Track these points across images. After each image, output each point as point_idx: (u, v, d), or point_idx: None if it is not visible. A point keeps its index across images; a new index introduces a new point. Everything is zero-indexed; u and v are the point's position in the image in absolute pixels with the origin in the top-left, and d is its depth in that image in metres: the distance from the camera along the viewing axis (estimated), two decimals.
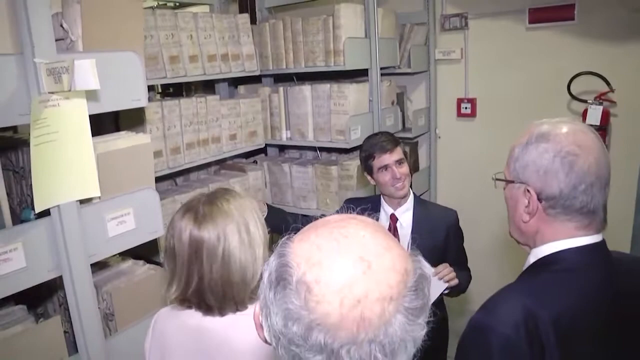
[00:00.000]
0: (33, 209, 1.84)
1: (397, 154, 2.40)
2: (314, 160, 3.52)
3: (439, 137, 4.16)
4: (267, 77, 3.64)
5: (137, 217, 1.76)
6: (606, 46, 3.39)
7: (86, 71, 1.31)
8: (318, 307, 0.74)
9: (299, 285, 0.76)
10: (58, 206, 1.53)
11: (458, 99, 4.01)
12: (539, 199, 1.21)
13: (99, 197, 1.65)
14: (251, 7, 3.65)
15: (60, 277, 1.61)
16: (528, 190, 1.23)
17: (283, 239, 0.84)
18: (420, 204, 2.54)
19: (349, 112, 3.05)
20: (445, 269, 2.25)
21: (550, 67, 3.58)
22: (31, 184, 1.81)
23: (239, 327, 1.37)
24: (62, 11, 1.57)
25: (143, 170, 1.79)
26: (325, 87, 3.12)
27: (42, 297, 2.06)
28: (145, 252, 2.31)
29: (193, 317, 1.42)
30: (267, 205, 2.77)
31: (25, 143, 1.89)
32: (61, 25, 1.55)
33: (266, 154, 3.76)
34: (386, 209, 2.51)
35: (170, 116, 2.61)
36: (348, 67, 3.04)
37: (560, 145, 1.18)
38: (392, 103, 3.62)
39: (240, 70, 3.09)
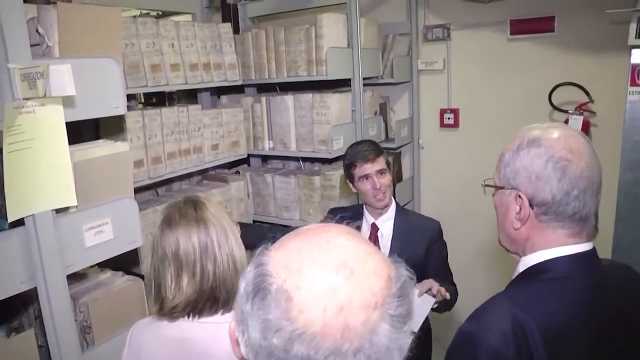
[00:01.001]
0: (6, 218, 1.81)
1: (379, 163, 2.37)
2: (297, 170, 3.50)
3: (422, 148, 4.16)
4: (250, 86, 3.62)
5: (115, 227, 1.72)
6: (586, 57, 3.42)
7: (62, 77, 1.27)
8: (300, 316, 0.70)
9: (279, 293, 0.72)
10: (33, 215, 1.49)
11: (441, 110, 4.02)
12: (531, 205, 1.20)
13: (76, 207, 1.61)
14: (234, 17, 3.64)
15: (35, 289, 1.57)
16: (520, 196, 1.21)
17: (260, 249, 0.81)
18: (402, 214, 2.50)
19: (331, 122, 3.04)
20: (433, 284, 2.14)
21: (531, 77, 3.61)
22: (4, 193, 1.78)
23: (219, 337, 1.36)
24: (38, 16, 1.54)
25: (122, 180, 1.75)
26: (307, 97, 3.10)
27: (16, 310, 2.00)
28: (125, 263, 2.26)
29: (173, 327, 1.41)
30: (240, 223, 2.69)
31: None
32: (37, 31, 1.52)
33: (249, 165, 3.73)
34: (368, 218, 2.49)
35: (152, 125, 2.57)
36: (330, 77, 3.03)
37: (552, 150, 1.17)
38: (375, 113, 3.62)
39: (222, 80, 3.06)
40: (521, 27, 3.61)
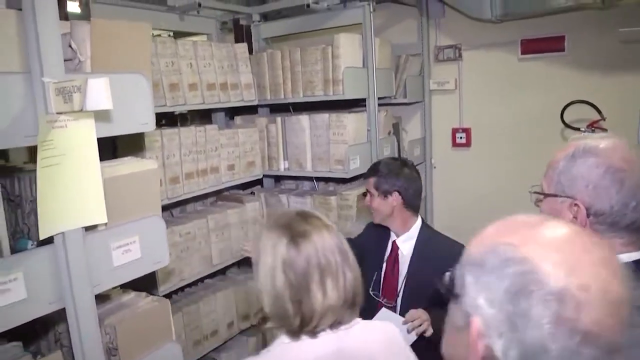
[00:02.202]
0: (30, 238, 1.77)
1: (366, 184, 2.49)
2: (312, 190, 3.47)
3: (435, 167, 4.14)
4: (263, 107, 3.60)
5: (142, 246, 1.68)
6: (596, 76, 3.44)
7: (99, 91, 1.25)
8: (584, 315, 0.68)
9: (558, 293, 0.69)
10: (62, 233, 1.45)
11: (453, 129, 4.02)
12: (587, 214, 1.17)
13: (105, 225, 1.58)
14: (247, 38, 3.64)
15: (60, 310, 1.52)
16: (576, 205, 1.18)
17: (499, 245, 0.79)
18: (426, 234, 2.45)
19: (348, 142, 3.02)
20: (416, 319, 2.07)
21: (542, 96, 3.63)
22: (28, 213, 1.75)
23: (368, 338, 1.42)
24: (71, 31, 1.52)
25: (149, 197, 1.71)
26: (323, 117, 3.08)
27: (34, 334, 1.95)
28: (143, 285, 2.22)
29: (319, 344, 1.36)
30: None
31: (20, 170, 1.82)
32: (70, 46, 1.50)
33: (262, 185, 3.70)
34: (391, 235, 2.48)
35: (170, 145, 2.55)
36: (347, 97, 3.02)
37: (610, 160, 1.16)
38: (389, 133, 3.61)
39: (239, 100, 3.05)
40: (532, 46, 3.63)
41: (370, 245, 2.53)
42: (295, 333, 1.35)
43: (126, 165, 1.64)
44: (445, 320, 0.89)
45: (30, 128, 1.39)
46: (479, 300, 0.75)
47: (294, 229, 1.38)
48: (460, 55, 3.91)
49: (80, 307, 1.50)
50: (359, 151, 3.10)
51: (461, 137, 4.01)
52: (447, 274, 0.85)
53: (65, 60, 1.44)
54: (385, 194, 2.39)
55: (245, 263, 3.34)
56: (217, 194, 3.28)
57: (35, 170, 1.77)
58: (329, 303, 1.33)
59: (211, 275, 3.07)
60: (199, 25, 3.20)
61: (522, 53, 3.67)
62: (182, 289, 2.87)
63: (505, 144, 3.83)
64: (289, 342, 1.37)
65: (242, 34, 3.72)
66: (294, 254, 1.33)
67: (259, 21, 3.66)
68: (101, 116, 1.49)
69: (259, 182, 3.60)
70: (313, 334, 1.35)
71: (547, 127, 3.60)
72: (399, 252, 2.44)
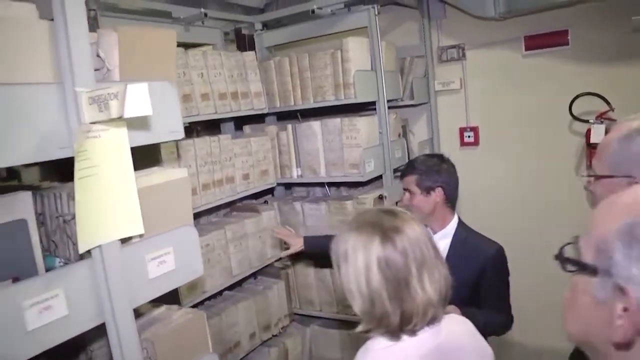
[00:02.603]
0: (57, 256, 1.73)
1: (405, 183, 2.45)
2: (324, 197, 3.44)
3: None
4: (270, 115, 3.57)
5: (177, 257, 1.64)
6: (602, 67, 3.44)
7: (139, 97, 1.22)
8: None
9: None
10: (100, 246, 1.41)
11: (460, 128, 4.01)
12: None
13: (139, 236, 1.54)
14: (249, 47, 3.62)
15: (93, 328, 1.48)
16: (636, 183, 1.17)
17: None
18: (462, 233, 2.42)
19: (362, 145, 3.00)
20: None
21: (548, 91, 3.62)
22: (54, 230, 1.71)
23: (465, 331, 1.45)
24: (98, 40, 1.49)
25: (181, 206, 1.68)
26: (335, 122, 3.06)
27: (63, 354, 1.90)
28: (165, 300, 2.17)
29: (426, 341, 1.33)
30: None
31: (37, 188, 1.78)
32: (98, 55, 1.48)
33: (273, 194, 3.67)
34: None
35: (186, 156, 2.52)
36: (359, 100, 3.00)
37: None
38: (399, 135, 3.59)
39: (249, 109, 3.03)
40: (535, 42, 3.64)
41: None
42: (394, 333, 1.32)
43: (158, 175, 1.61)
44: (568, 296, 0.88)
45: (63, 139, 1.36)
46: (633, 270, 0.73)
47: (385, 225, 1.34)
48: (464, 55, 3.91)
49: (120, 321, 1.46)
50: (373, 154, 3.08)
51: (469, 136, 4.00)
52: (567, 246, 0.83)
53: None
54: (428, 190, 2.38)
55: (261, 273, 3.31)
56: (229, 205, 3.24)
57: (56, 188, 1.75)
58: (428, 298, 1.30)
59: (229, 287, 3.03)
60: (204, 35, 3.18)
61: (526, 49, 3.67)
62: (202, 302, 2.83)
63: (513, 140, 3.82)
64: (390, 345, 1.33)
65: (244, 43, 3.71)
66: (390, 251, 1.30)
67: (261, 30, 3.64)
68: (132, 125, 1.46)
69: (269, 191, 3.57)
70: (413, 332, 1.32)
71: (555, 121, 3.60)
72: None
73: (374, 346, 1.37)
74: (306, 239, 2.81)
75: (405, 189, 2.45)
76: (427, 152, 3.94)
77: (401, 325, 1.30)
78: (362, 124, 3.01)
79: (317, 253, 2.74)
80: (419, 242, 1.33)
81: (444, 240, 2.39)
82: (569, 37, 3.52)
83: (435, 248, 1.38)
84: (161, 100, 1.57)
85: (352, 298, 1.36)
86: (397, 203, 2.56)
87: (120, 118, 1.26)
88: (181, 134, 1.64)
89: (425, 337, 1.33)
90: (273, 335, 3.20)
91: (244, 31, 3.66)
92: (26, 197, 1.45)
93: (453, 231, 2.41)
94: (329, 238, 2.58)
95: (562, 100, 3.48)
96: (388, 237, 1.32)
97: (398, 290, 1.29)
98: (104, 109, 1.28)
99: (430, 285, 1.31)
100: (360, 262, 1.32)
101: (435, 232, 2.41)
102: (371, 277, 1.30)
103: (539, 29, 3.58)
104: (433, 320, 1.34)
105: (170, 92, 1.60)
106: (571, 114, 3.44)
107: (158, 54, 1.61)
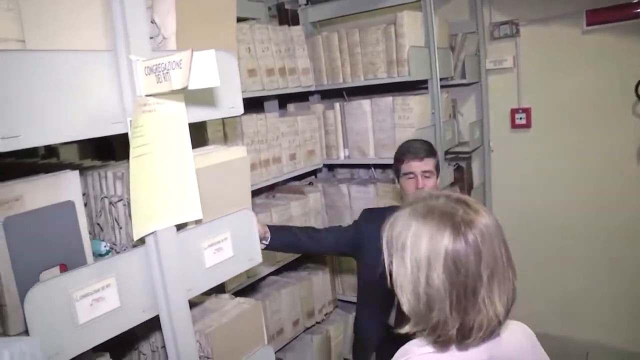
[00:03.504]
0: (102, 239, 1.61)
1: (427, 164, 2.26)
2: (371, 179, 3.29)
3: (492, 151, 3.93)
4: (314, 93, 3.42)
5: (234, 243, 1.51)
6: None
7: (206, 65, 1.08)
8: None
9: None
10: (154, 233, 1.28)
11: (512, 110, 3.81)
12: None
13: (195, 222, 1.41)
14: (292, 23, 3.45)
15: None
16: None
17: None
18: None
19: (414, 126, 2.83)
20: None
21: (611, 70, 3.39)
22: (99, 211, 1.59)
23: (516, 338, 1.23)
24: (153, 5, 1.35)
25: (240, 188, 1.54)
26: (387, 101, 2.90)
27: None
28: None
29: (477, 354, 1.14)
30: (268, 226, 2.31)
31: (78, 167, 1.66)
32: (152, 21, 1.33)
33: (316, 176, 3.53)
34: None
35: (232, 134, 2.39)
36: (413, 78, 2.83)
37: None
38: (450, 116, 3.41)
39: (297, 86, 2.88)
40: (599, 16, 3.39)
41: (376, 232, 2.34)
42: (444, 344, 1.13)
43: (217, 154, 1.47)
44: None
45: (117, 114, 1.22)
46: None
47: (458, 215, 1.11)
48: (517, 31, 3.68)
49: (175, 314, 1.34)
50: (425, 135, 2.91)
51: (521, 118, 3.79)
52: None
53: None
54: (438, 174, 2.34)
55: (304, 258, 3.17)
56: (271, 187, 3.11)
57: (100, 167, 1.62)
58: (495, 314, 1.09)
59: (273, 272, 2.91)
60: (249, 9, 3.01)
61: (588, 24, 3.42)
62: (245, 287, 2.71)
63: (569, 123, 3.60)
64: (433, 352, 1.15)
65: (286, 18, 3.54)
66: (461, 247, 1.07)
67: (305, 4, 3.47)
68: (189, 99, 1.32)
69: (310, 173, 3.43)
70: (466, 347, 1.13)
71: (617, 103, 3.38)
72: None
73: (415, 349, 1.19)
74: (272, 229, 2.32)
75: (426, 171, 2.27)
76: (477, 134, 3.75)
77: (456, 339, 1.11)
78: (416, 103, 2.84)
79: (278, 248, 2.34)
80: (492, 242, 1.11)
81: None
82: (639, 10, 3.25)
83: (507, 249, 1.15)
84: (223, 72, 1.42)
85: (403, 294, 1.15)
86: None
87: (181, 90, 1.12)
88: (241, 109, 1.50)
89: (477, 351, 1.14)
90: (316, 322, 3.08)
91: (287, 6, 3.49)
92: (73, 177, 1.32)
93: None
94: (294, 232, 2.35)
95: (625, 79, 3.26)
96: (460, 231, 1.09)
97: (463, 298, 1.08)
98: (164, 79, 1.14)
99: (499, 297, 1.10)
100: (422, 256, 1.10)
101: None
102: (433, 276, 1.08)
103: (603, 2, 3.32)
104: (491, 334, 1.14)
105: (231, 65, 1.46)
106: (638, 95, 3.21)
107: (217, 21, 1.46)
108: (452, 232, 1.08)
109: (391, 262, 1.19)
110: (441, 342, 1.13)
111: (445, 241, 1.08)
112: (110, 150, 2.05)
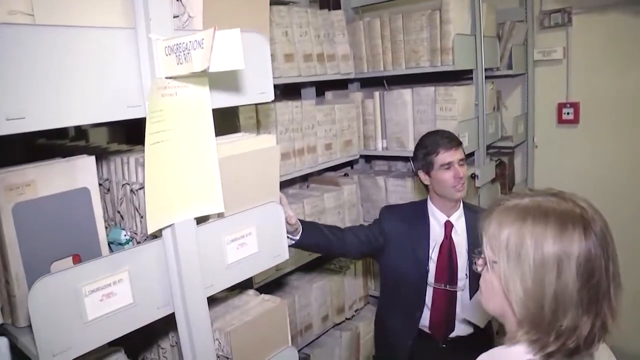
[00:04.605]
0: (123, 228, 1.54)
1: (460, 153, 2.28)
2: (410, 172, 3.16)
3: (536, 147, 3.74)
4: (354, 81, 3.29)
5: (260, 238, 1.42)
6: None
7: (230, 46, 0.98)
8: None
9: None
10: (172, 225, 1.20)
11: (559, 104, 3.61)
12: None
13: (217, 215, 1.32)
14: (333, 7, 3.33)
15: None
16: None
17: None
18: (470, 209, 2.37)
19: (457, 118, 2.69)
20: None
21: None
22: (120, 198, 1.51)
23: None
24: None
25: (267, 180, 1.44)
26: (429, 91, 2.76)
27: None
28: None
29: None
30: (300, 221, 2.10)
31: (104, 151, 1.59)
32: None
33: (352, 167, 3.41)
34: (438, 216, 2.32)
35: (265, 122, 2.29)
36: (458, 67, 2.69)
37: None
38: (494, 109, 3.25)
39: (335, 73, 2.76)
40: None
41: (400, 230, 2.33)
42: (551, 354, 1.01)
43: (243, 142, 1.37)
44: None
45: (134, 96, 1.13)
46: None
47: (576, 214, 1.03)
48: (569, 20, 3.48)
49: (192, 312, 1.26)
50: (468, 128, 2.77)
51: (568, 113, 3.59)
52: None
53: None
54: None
55: None
56: (305, 177, 3.02)
57: (124, 151, 1.55)
58: (610, 318, 1.01)
59: (303, 266, 2.82)
60: None
61: None
62: (274, 280, 2.62)
63: (620, 121, 3.39)
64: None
65: (327, 2, 3.43)
66: (593, 250, 0.99)
67: None
68: (214, 84, 1.22)
69: (347, 164, 3.32)
70: (570, 358, 1.02)
71: None
72: (453, 230, 2.29)
73: (511, 354, 1.07)
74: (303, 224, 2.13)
75: (461, 160, 2.27)
76: (522, 129, 3.58)
77: (571, 350, 1.00)
78: (459, 94, 2.69)
79: (306, 247, 2.16)
80: (613, 246, 1.03)
81: (461, 219, 2.32)
82: None
83: (615, 252, 1.04)
84: (252, 56, 1.33)
85: (517, 300, 1.03)
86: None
87: (203, 72, 1.02)
88: (271, 95, 1.40)
89: None
90: (346, 319, 2.98)
91: None
92: (89, 162, 1.25)
93: (462, 210, 2.34)
94: (323, 231, 2.22)
95: None
96: (594, 233, 1.00)
97: (595, 301, 0.99)
98: (184, 60, 1.05)
99: (616, 301, 1.00)
100: (547, 259, 0.99)
101: (450, 214, 2.32)
102: (564, 279, 0.99)
103: None
104: (590, 346, 1.02)
105: (262, 48, 1.36)
106: None
107: (248, 1, 1.36)
108: (583, 233, 1.00)
109: (494, 265, 1.09)
110: (548, 355, 1.01)
111: (576, 241, 0.99)
112: (142, 134, 1.98)
